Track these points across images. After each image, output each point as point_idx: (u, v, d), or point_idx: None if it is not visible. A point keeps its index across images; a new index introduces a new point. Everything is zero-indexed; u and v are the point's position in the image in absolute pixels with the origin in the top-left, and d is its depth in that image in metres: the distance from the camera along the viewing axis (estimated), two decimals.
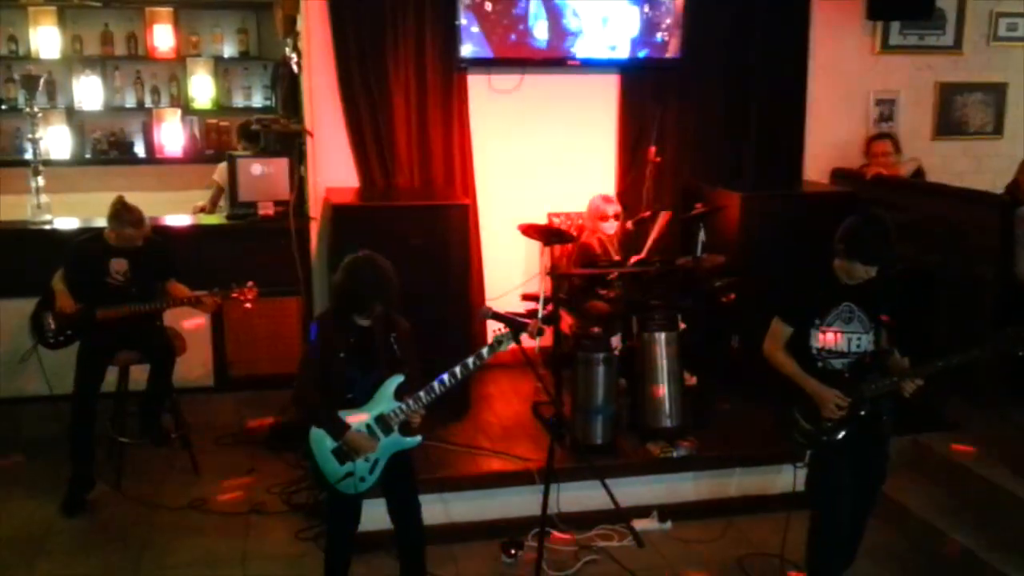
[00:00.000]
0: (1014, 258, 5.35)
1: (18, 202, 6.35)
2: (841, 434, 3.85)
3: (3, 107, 7.83)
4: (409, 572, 4.07)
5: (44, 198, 5.92)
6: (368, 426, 3.81)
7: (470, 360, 3.83)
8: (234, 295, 5.02)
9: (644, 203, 5.89)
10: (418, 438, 3.92)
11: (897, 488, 4.78)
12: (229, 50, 8.20)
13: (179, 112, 8.12)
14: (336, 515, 4.00)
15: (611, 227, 5.67)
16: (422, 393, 3.81)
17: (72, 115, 7.96)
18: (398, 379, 3.84)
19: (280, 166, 6.02)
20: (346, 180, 5.89)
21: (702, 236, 5.43)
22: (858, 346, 3.86)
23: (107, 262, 4.99)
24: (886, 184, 6.16)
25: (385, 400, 3.83)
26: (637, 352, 5.12)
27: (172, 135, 8.12)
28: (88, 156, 8.02)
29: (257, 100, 8.26)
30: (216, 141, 8.22)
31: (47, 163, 6.57)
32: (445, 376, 3.81)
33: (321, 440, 3.83)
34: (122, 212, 4.93)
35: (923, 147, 6.82)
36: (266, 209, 5.99)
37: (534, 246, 5.77)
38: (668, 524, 4.86)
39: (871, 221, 3.79)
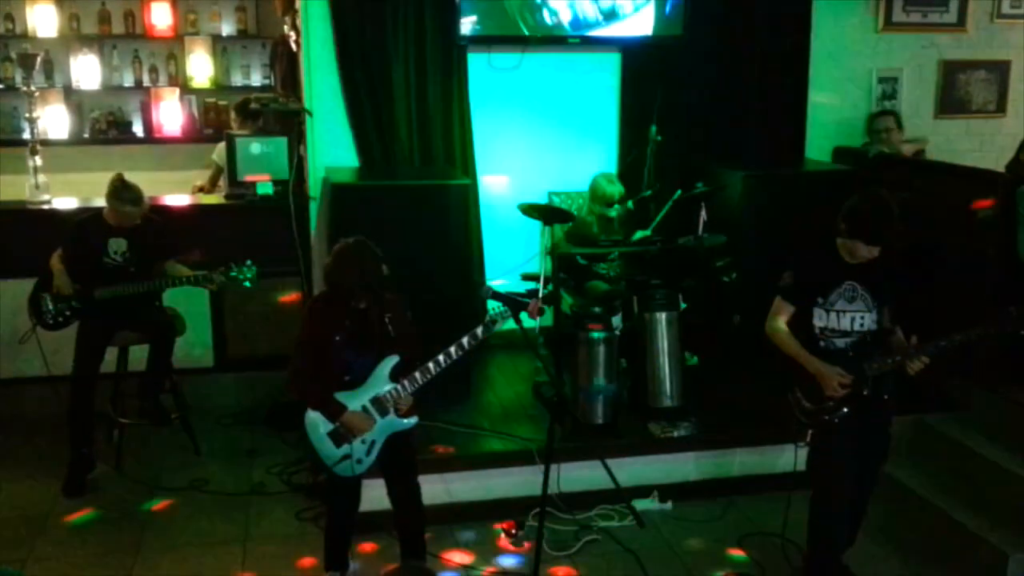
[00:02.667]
0: (1015, 237, 5.32)
1: (16, 182, 6.33)
2: (843, 412, 3.85)
3: (0, 86, 7.78)
4: (409, 552, 4.07)
5: (42, 178, 5.89)
6: (364, 407, 3.80)
7: (464, 340, 3.82)
8: (233, 275, 5.00)
9: (645, 182, 5.86)
10: (414, 419, 3.91)
11: (899, 468, 4.79)
12: (227, 28, 8.14)
13: (177, 91, 8.06)
14: (335, 496, 4.01)
15: (615, 211, 5.64)
16: (417, 374, 3.80)
17: (70, 94, 7.91)
18: (393, 360, 3.83)
19: (279, 145, 5.99)
20: (345, 159, 5.86)
21: (703, 215, 5.41)
22: (861, 325, 3.84)
23: (105, 242, 4.96)
24: (888, 163, 6.13)
25: (380, 381, 3.82)
26: (638, 332, 5.11)
27: (170, 114, 8.06)
28: (86, 136, 7.98)
29: (256, 79, 8.20)
30: (215, 120, 8.17)
31: (45, 143, 6.53)
32: (440, 357, 3.80)
33: (316, 423, 3.83)
34: (121, 190, 4.89)
35: (926, 125, 6.78)
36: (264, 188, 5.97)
37: (534, 225, 5.74)
38: (669, 504, 4.86)
39: (874, 201, 3.77)
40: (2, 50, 7.73)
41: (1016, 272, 5.25)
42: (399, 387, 3.80)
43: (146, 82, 8.04)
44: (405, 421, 3.88)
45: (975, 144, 6.81)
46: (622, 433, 4.94)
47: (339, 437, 3.81)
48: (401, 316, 3.90)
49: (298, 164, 5.89)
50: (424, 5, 5.75)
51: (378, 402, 3.82)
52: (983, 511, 4.49)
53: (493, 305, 3.90)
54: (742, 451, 5.04)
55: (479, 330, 3.83)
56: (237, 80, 8.20)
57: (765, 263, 5.27)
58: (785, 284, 3.96)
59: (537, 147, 6.21)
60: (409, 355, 3.85)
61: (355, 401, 3.81)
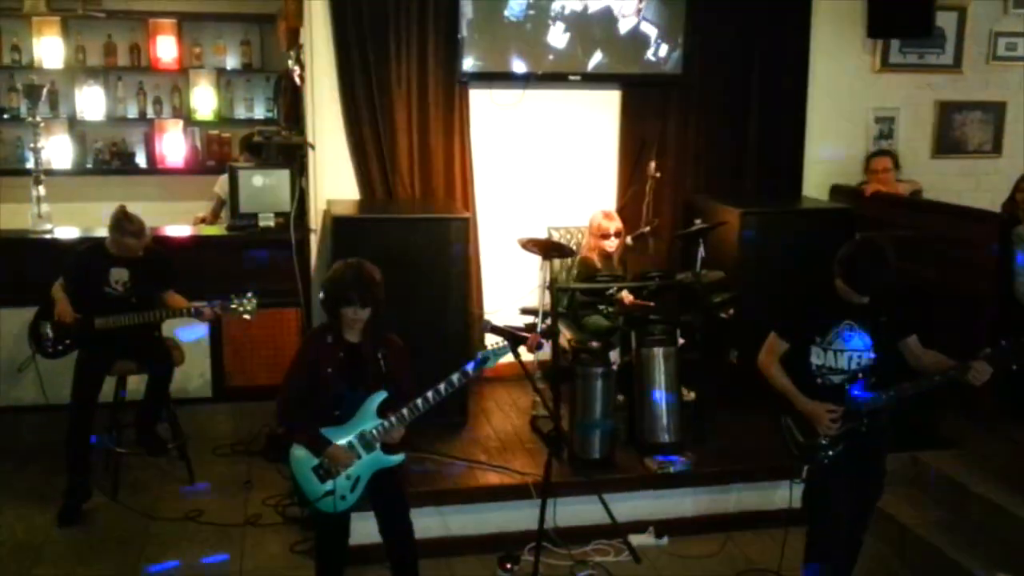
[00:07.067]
0: (1011, 277, 5.35)
1: (19, 211, 6.36)
2: (837, 448, 3.86)
3: (5, 116, 7.86)
4: None
5: (45, 207, 5.93)
6: (350, 443, 3.77)
7: (454, 377, 3.79)
8: (233, 306, 5.01)
9: (644, 218, 5.91)
10: (401, 456, 3.88)
11: (895, 505, 4.78)
12: (232, 62, 8.24)
13: (181, 123, 8.15)
14: (322, 531, 3.97)
15: (612, 244, 5.68)
16: (405, 410, 3.76)
17: (74, 125, 7.99)
18: (381, 395, 3.79)
19: (281, 178, 6.03)
20: (347, 192, 5.90)
21: (701, 251, 5.44)
22: (859, 363, 3.86)
23: (107, 272, 4.98)
24: (885, 201, 6.18)
25: (368, 417, 3.79)
26: (635, 367, 5.12)
27: (173, 146, 8.14)
28: (89, 166, 8.05)
29: (259, 112, 8.29)
30: (218, 152, 8.24)
31: (48, 172, 6.58)
32: (429, 394, 3.76)
33: (301, 458, 3.80)
34: (123, 221, 4.93)
35: (922, 165, 6.83)
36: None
37: (533, 260, 5.77)
38: (665, 540, 4.84)
39: (868, 251, 3.80)
40: (8, 80, 7.82)
41: (1012, 311, 5.28)
42: (386, 423, 3.77)
43: (150, 114, 8.13)
44: (391, 458, 3.84)
45: (971, 184, 6.86)
46: (618, 468, 4.94)
47: (323, 473, 3.78)
48: (400, 360, 3.88)
49: (300, 196, 5.93)
50: (427, 42, 5.83)
51: (364, 437, 3.78)
52: (979, 549, 4.49)
53: (493, 341, 3.89)
54: (739, 487, 5.03)
55: (469, 367, 3.82)
56: (240, 113, 8.29)
57: (762, 299, 5.32)
58: (782, 320, 3.98)
59: (537, 182, 6.25)
60: (399, 393, 3.82)
61: (341, 436, 3.77)
